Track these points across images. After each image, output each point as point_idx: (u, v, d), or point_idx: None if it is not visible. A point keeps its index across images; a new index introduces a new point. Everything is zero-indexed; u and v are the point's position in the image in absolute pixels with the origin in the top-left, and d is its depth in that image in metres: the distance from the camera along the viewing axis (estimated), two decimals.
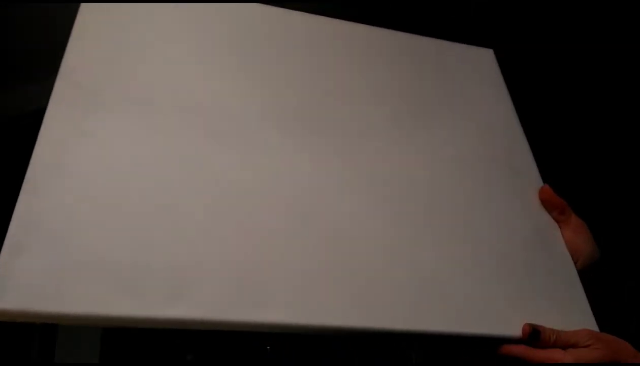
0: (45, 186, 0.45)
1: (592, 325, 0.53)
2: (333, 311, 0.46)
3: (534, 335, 0.49)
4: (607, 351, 0.49)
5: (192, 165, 0.50)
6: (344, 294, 0.47)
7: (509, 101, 0.70)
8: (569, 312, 0.54)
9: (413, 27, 0.72)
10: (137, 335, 1.09)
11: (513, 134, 0.67)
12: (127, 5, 0.59)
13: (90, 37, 0.55)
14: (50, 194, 0.44)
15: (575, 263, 0.58)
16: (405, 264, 0.51)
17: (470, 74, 0.70)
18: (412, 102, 0.65)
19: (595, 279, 0.58)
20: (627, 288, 0.60)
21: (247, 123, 0.55)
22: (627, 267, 0.61)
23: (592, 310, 0.54)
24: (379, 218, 0.53)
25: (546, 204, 0.61)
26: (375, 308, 0.48)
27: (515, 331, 0.50)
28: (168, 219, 0.46)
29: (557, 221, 0.60)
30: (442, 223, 0.56)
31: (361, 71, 0.65)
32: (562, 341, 0.50)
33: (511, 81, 0.71)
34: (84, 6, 0.57)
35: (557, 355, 0.49)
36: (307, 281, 0.47)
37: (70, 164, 0.47)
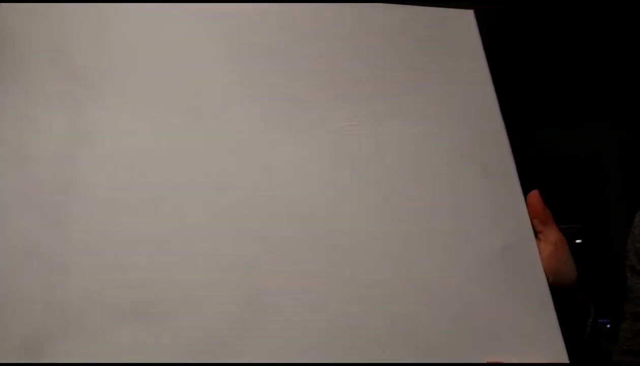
0: None
1: (562, 357, 0.48)
2: None
3: None
4: None
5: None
6: None
7: (488, 78, 0.61)
8: (539, 344, 0.49)
9: None
10: None
11: (490, 123, 0.59)
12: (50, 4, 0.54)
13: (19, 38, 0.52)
14: None
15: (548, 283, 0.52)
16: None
17: (447, 45, 0.62)
18: (380, 82, 0.58)
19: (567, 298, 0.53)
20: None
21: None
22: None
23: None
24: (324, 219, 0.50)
25: (531, 209, 0.54)
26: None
27: None
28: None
29: (537, 232, 0.54)
30: (396, 237, 0.51)
31: (324, 50, 0.58)
32: None
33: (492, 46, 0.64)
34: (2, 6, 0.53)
35: None
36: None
37: None
